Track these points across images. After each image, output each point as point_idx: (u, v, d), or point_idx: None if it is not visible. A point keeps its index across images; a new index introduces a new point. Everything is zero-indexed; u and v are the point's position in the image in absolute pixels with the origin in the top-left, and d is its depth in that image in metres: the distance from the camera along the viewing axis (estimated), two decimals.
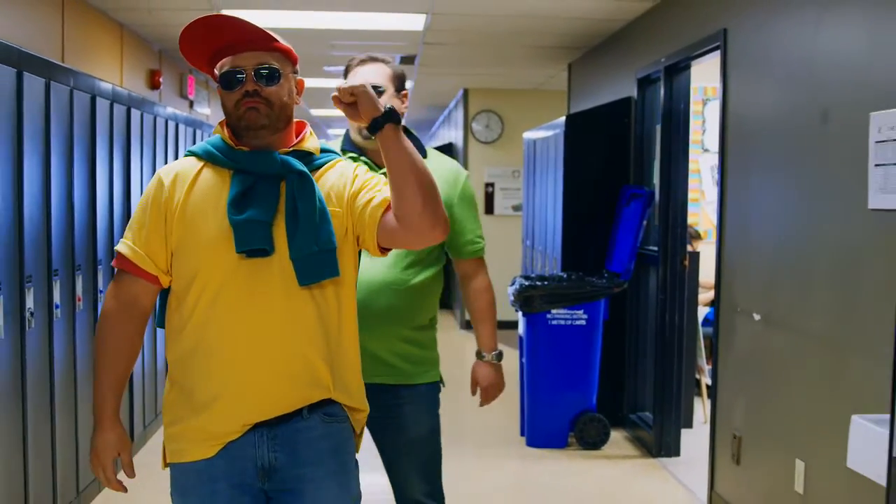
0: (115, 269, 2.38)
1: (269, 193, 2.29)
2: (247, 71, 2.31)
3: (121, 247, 2.35)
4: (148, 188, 2.38)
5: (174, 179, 2.35)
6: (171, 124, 6.70)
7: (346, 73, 3.15)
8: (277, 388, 2.29)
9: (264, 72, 2.31)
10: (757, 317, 4.37)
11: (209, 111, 9.82)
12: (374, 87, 2.98)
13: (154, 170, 6.13)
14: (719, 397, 4.89)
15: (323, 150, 2.43)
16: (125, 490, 2.42)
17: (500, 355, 3.22)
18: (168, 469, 2.40)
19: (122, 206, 5.49)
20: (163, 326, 2.41)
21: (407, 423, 3.03)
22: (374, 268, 2.97)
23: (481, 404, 3.27)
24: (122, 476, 2.42)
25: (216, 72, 2.36)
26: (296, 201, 2.28)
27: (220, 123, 2.40)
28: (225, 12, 2.40)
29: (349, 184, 2.37)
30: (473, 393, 3.26)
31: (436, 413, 3.12)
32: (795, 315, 4.01)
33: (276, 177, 2.31)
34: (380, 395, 2.89)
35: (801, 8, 4.01)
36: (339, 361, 2.35)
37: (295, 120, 2.43)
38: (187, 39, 2.34)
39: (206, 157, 2.35)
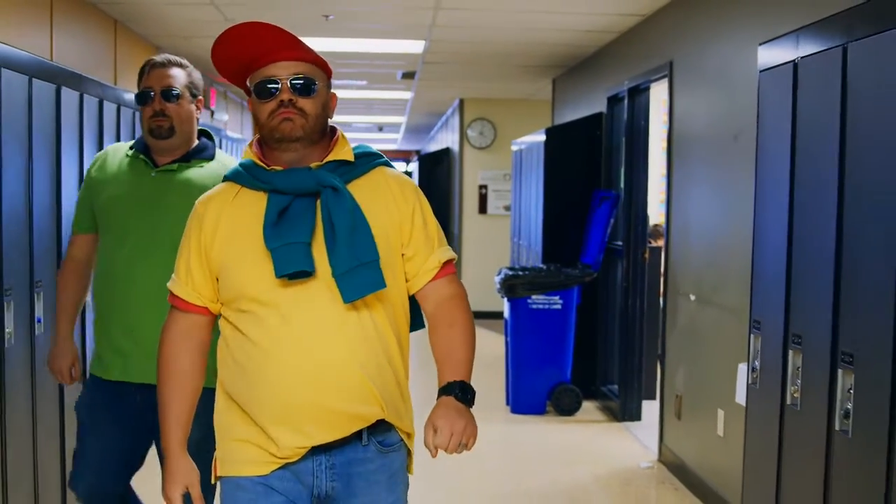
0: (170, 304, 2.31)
1: (305, 212, 2.17)
2: (282, 80, 2.18)
3: (169, 283, 2.30)
4: (188, 220, 2.30)
5: (210, 207, 2.26)
6: None
7: (141, 75, 3.04)
8: (328, 412, 2.17)
9: (299, 83, 2.19)
10: (692, 297, 5.36)
11: (227, 117, 10.72)
12: (170, 90, 3.01)
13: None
14: (667, 365, 5.87)
15: (360, 155, 2.30)
16: None
17: None
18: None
19: None
20: None
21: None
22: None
23: None
24: None
25: (248, 83, 2.24)
26: (332, 217, 2.16)
27: (249, 144, 2.29)
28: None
29: (402, 208, 2.27)
30: None
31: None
32: (717, 294, 4.99)
33: (312, 193, 2.19)
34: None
35: (724, 48, 4.98)
36: (387, 384, 2.24)
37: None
38: (221, 49, 2.22)
39: (240, 182, 2.25)
